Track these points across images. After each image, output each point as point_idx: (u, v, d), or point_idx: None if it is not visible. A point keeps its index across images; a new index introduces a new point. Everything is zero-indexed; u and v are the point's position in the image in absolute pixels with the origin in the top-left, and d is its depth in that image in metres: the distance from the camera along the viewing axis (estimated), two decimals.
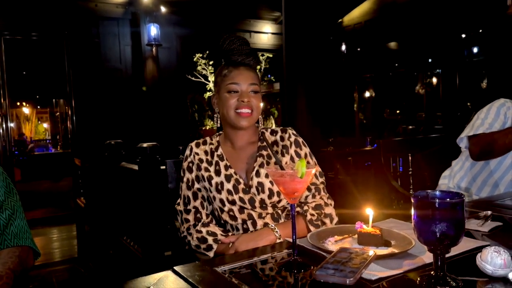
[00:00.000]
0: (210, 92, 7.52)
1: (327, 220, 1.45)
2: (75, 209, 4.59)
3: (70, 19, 5.78)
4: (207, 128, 8.24)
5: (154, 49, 6.02)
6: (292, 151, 1.52)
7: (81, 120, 5.88)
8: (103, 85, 5.96)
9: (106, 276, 3.40)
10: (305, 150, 1.54)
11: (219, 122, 1.55)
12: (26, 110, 14.23)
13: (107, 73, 6.01)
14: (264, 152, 1.51)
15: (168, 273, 1.02)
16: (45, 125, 15.04)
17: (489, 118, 2.08)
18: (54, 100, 14.14)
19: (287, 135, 1.54)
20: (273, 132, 1.57)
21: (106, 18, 6.01)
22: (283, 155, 1.51)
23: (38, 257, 1.33)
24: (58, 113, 14.23)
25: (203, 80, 7.35)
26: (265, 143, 1.52)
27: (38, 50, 9.14)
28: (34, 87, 12.57)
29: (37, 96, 13.92)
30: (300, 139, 1.56)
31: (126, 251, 3.19)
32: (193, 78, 7.29)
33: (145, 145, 2.87)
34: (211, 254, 1.41)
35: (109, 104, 5.97)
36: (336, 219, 1.48)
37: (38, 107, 14.80)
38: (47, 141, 13.89)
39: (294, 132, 1.57)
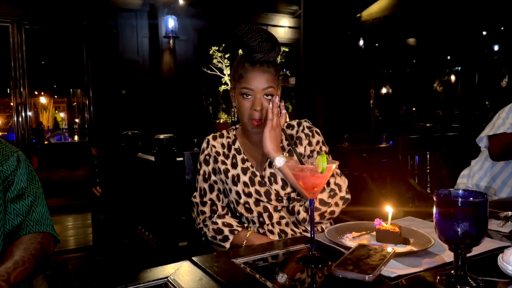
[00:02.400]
0: (225, 86, 7.52)
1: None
2: (91, 198, 4.65)
3: (89, 10, 5.83)
4: (221, 121, 8.25)
5: (171, 41, 6.04)
6: (305, 142, 1.51)
7: (98, 110, 5.95)
8: (120, 76, 6.01)
9: (121, 265, 3.45)
10: (318, 138, 1.53)
11: (236, 116, 1.55)
12: (43, 99, 14.42)
13: (125, 65, 6.06)
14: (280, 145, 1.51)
15: (186, 263, 1.03)
16: (62, 114, 15.24)
17: (511, 118, 2.04)
18: (71, 90, 14.30)
19: (301, 128, 1.55)
20: (289, 126, 1.57)
21: (124, 9, 6.05)
22: (296, 146, 1.51)
23: (58, 243, 1.35)
24: (75, 103, 14.39)
25: (218, 73, 7.34)
26: (281, 137, 1.52)
27: (57, 40, 9.25)
28: (52, 77, 12.73)
29: (55, 86, 14.09)
30: (314, 128, 1.55)
31: (140, 241, 3.23)
32: (208, 71, 7.29)
33: (161, 136, 2.90)
34: (227, 245, 1.42)
35: (126, 95, 6.03)
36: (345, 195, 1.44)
37: (56, 96, 14.99)
38: (64, 130, 14.07)
39: (309, 125, 1.56)
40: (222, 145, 1.56)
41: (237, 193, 1.48)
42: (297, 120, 1.58)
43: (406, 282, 0.90)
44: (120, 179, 3.77)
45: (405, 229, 1.14)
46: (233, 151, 1.54)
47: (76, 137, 13.18)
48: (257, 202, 1.47)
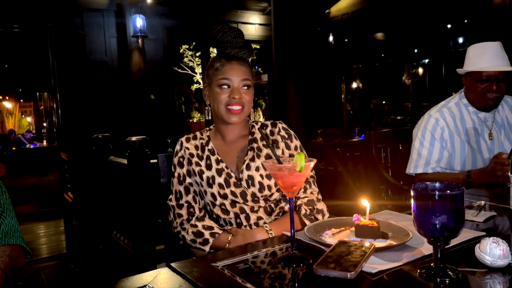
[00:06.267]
0: (197, 84, 7.44)
1: (319, 216, 1.44)
2: (63, 204, 4.53)
3: (53, 10, 5.65)
4: (195, 120, 8.18)
5: (140, 40, 5.93)
6: (282, 145, 1.51)
7: (67, 113, 5.78)
8: (88, 78, 5.86)
9: (96, 272, 3.36)
10: (296, 143, 1.54)
11: (210, 115, 1.53)
12: (8, 104, 13.96)
13: (93, 66, 5.91)
14: (255, 145, 1.50)
15: (164, 270, 1.00)
16: (29, 119, 14.80)
17: (425, 150, 2.08)
18: (38, 93, 13.90)
19: (277, 129, 1.53)
20: (263, 126, 1.56)
21: (90, 9, 5.89)
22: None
23: (29, 256, 1.30)
24: (42, 107, 14.00)
25: (190, 72, 7.27)
26: (255, 136, 1.52)
27: (21, 42, 8.94)
28: (17, 81, 12.31)
29: (20, 90, 13.65)
30: (291, 132, 1.55)
31: (116, 246, 3.16)
32: (179, 70, 7.21)
33: (133, 138, 2.84)
34: (207, 248, 1.40)
35: (95, 97, 5.88)
36: (327, 215, 1.48)
37: (21, 100, 14.54)
38: (31, 135, 13.66)
39: (284, 126, 1.56)
40: (196, 147, 1.53)
41: (213, 195, 1.46)
42: (271, 121, 1.57)
43: (387, 277, 0.91)
44: (92, 183, 3.68)
45: (383, 223, 1.14)
46: (207, 152, 1.51)
47: (44, 142, 12.83)
48: (233, 203, 1.45)
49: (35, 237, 4.59)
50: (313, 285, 0.91)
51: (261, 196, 1.45)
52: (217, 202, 1.46)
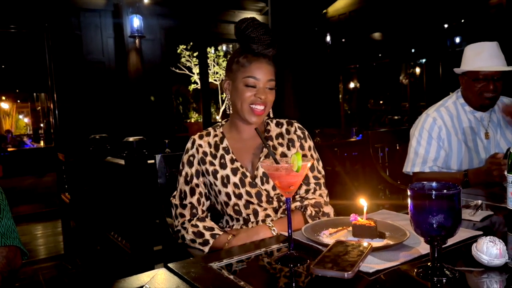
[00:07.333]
0: (195, 85, 7.43)
1: (324, 219, 1.44)
2: (60, 204, 4.53)
3: (50, 11, 5.64)
4: (192, 121, 8.17)
5: (137, 41, 5.92)
6: (298, 144, 1.51)
7: (64, 114, 5.77)
8: (86, 78, 5.85)
9: (94, 272, 3.36)
10: (310, 143, 1.54)
11: (231, 109, 1.49)
12: (5, 105, 13.92)
13: (90, 66, 5.90)
14: (270, 143, 1.50)
15: (161, 271, 1.00)
16: (26, 119, 14.77)
17: (422, 148, 2.09)
18: (35, 94, 13.87)
19: (293, 129, 1.54)
20: (279, 124, 1.55)
21: (87, 9, 5.88)
22: (288, 149, 1.50)
23: (26, 257, 1.29)
24: (39, 108, 13.97)
25: (187, 72, 7.26)
26: (270, 134, 1.52)
27: (18, 43, 8.93)
28: (14, 81, 12.29)
29: (17, 90, 13.62)
30: (306, 132, 1.56)
31: (114, 247, 3.16)
32: (177, 70, 7.20)
33: (131, 139, 2.83)
34: (206, 249, 1.38)
35: (92, 97, 5.87)
36: None
37: (18, 101, 14.50)
38: (29, 140, 13.62)
39: (300, 125, 1.57)
40: (209, 144, 1.50)
41: (227, 194, 1.44)
42: (286, 119, 1.57)
43: (384, 277, 0.91)
44: (90, 184, 3.67)
45: (380, 223, 1.14)
46: (221, 151, 1.49)
47: (42, 143, 12.80)
48: (247, 204, 1.44)
49: (32, 238, 4.58)
50: (310, 285, 0.91)
51: (274, 195, 1.44)
52: (231, 203, 1.44)
